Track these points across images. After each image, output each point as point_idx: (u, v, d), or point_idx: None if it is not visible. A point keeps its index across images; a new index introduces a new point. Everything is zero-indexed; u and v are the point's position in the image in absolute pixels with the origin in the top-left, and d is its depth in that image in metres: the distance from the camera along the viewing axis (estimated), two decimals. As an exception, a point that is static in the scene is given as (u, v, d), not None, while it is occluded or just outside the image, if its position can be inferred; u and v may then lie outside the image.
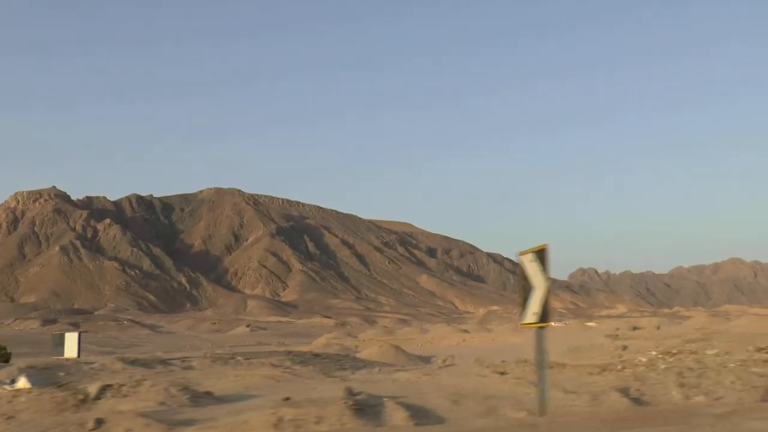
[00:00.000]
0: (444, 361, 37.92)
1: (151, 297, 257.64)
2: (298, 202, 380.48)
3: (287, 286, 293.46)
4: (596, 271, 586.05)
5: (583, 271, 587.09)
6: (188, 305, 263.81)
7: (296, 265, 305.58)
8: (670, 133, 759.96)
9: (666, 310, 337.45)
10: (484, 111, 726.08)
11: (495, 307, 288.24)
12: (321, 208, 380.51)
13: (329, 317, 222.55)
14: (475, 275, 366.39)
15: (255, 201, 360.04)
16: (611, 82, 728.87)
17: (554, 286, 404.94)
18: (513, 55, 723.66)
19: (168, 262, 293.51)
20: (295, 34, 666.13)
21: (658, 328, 71.62)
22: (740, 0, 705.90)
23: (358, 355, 42.94)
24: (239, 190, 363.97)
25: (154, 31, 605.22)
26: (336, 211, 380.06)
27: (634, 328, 72.11)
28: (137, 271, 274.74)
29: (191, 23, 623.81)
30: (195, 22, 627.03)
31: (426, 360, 44.49)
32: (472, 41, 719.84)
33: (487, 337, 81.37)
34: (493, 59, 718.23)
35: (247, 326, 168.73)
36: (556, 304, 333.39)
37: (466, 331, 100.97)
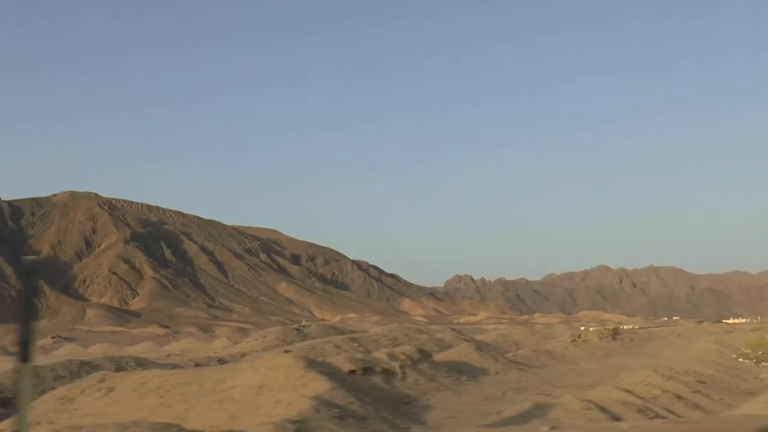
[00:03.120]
0: None
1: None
2: (158, 207, 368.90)
3: (137, 293, 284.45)
4: (472, 278, 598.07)
5: (459, 278, 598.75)
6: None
7: (149, 273, 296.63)
8: (554, 149, 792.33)
9: (525, 317, 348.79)
10: (338, 108, 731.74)
11: (352, 315, 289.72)
12: (182, 213, 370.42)
13: (167, 326, 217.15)
14: (339, 283, 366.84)
15: (111, 206, 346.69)
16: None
17: (419, 292, 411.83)
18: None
19: (8, 269, 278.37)
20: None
21: None
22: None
23: None
24: (96, 194, 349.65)
25: None
26: (198, 217, 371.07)
27: None
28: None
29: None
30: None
31: None
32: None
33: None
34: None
35: (52, 338, 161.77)
36: (418, 311, 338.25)
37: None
